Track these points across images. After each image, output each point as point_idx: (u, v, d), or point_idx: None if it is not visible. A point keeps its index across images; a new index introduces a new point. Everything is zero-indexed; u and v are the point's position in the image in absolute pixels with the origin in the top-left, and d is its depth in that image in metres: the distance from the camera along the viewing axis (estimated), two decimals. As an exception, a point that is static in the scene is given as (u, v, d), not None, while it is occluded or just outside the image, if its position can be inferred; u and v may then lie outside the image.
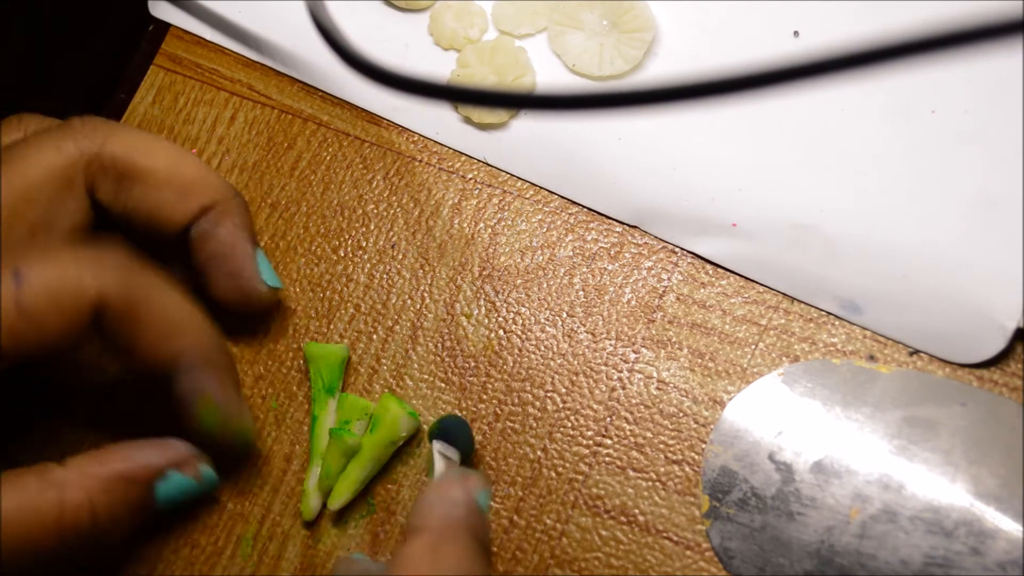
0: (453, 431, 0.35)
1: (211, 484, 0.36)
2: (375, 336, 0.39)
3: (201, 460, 0.36)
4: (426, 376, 0.38)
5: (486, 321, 0.39)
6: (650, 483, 0.36)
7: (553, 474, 0.37)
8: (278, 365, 0.39)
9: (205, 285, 0.38)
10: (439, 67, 0.41)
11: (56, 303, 0.32)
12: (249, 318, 0.39)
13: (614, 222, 0.39)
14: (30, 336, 0.32)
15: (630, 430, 0.37)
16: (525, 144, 0.40)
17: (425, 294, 0.39)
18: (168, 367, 0.34)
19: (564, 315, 0.38)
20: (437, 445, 0.35)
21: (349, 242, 0.40)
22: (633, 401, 0.37)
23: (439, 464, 0.34)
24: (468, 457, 0.36)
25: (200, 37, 0.43)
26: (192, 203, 0.36)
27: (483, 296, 0.39)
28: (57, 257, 0.32)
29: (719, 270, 0.38)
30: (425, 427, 0.37)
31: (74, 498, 0.32)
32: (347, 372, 0.39)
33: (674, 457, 0.36)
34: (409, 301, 0.39)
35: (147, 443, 0.35)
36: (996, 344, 0.35)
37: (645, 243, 0.38)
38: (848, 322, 0.36)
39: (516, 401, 0.38)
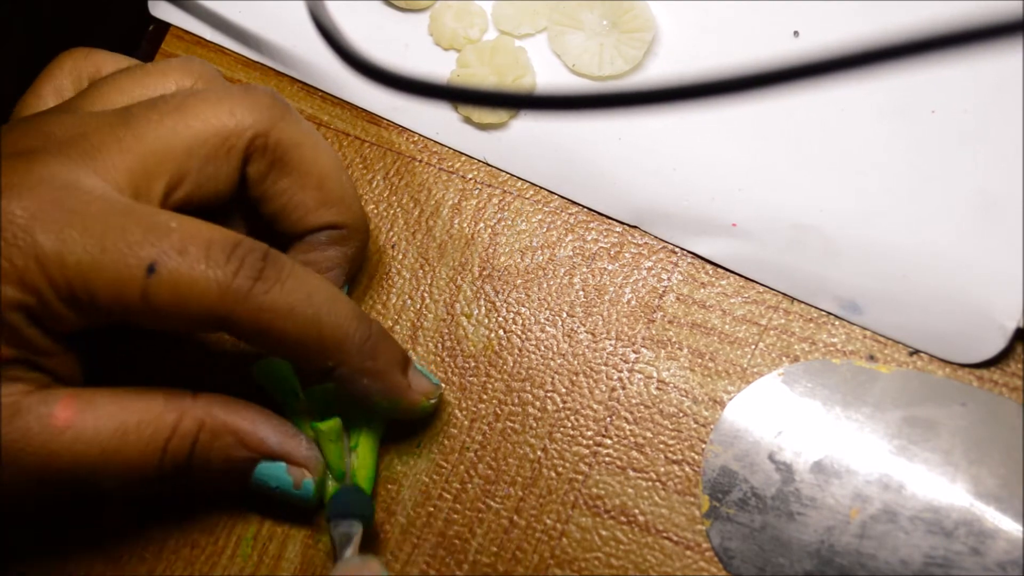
0: (348, 504, 0.34)
1: (305, 497, 0.35)
2: (375, 336, 0.39)
3: (312, 473, 0.35)
4: (426, 376, 0.38)
5: (486, 321, 0.39)
6: (650, 483, 0.36)
7: (553, 474, 0.37)
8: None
9: None
10: (439, 67, 0.41)
11: (181, 303, 0.31)
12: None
13: (614, 222, 0.39)
14: (151, 319, 0.32)
15: (630, 430, 0.37)
16: (525, 144, 0.40)
17: (425, 294, 0.39)
18: (323, 373, 0.34)
19: (564, 315, 0.38)
20: (338, 527, 0.34)
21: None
22: (633, 401, 0.37)
23: (343, 550, 0.34)
24: (370, 520, 0.35)
25: (200, 37, 0.44)
26: (325, 216, 0.36)
27: (483, 296, 0.39)
28: (193, 259, 0.32)
29: (719, 270, 0.38)
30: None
31: (187, 427, 0.33)
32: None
33: (674, 457, 0.36)
34: (409, 301, 0.39)
35: (280, 425, 0.35)
36: (996, 344, 0.35)
37: (645, 243, 0.38)
38: (848, 322, 0.36)
39: (516, 401, 0.38)
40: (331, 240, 0.37)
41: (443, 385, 0.37)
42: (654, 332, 0.38)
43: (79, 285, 0.31)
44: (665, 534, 0.35)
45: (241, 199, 0.36)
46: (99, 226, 0.31)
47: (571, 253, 0.39)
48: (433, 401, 0.36)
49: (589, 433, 0.37)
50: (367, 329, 0.34)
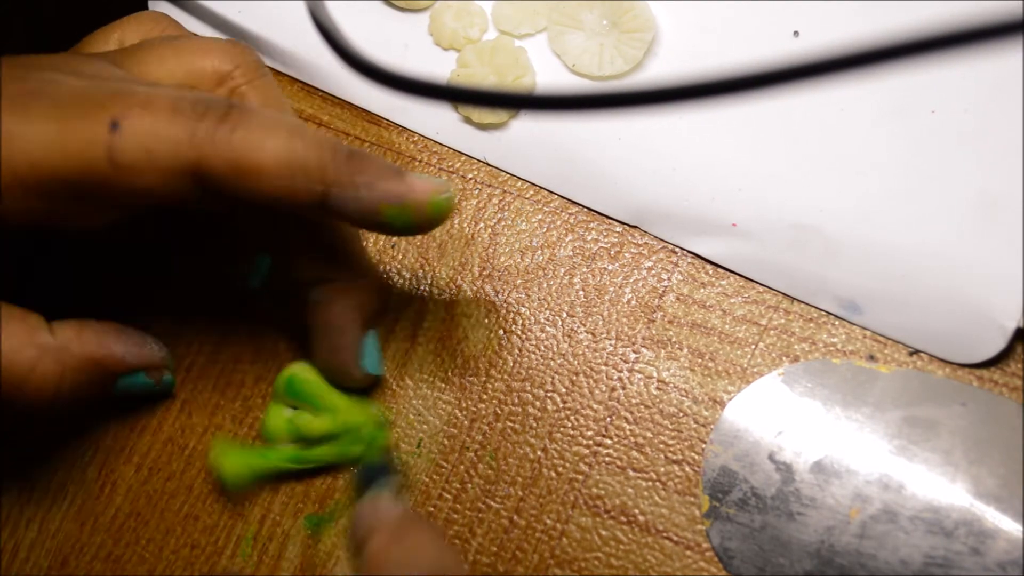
0: (372, 478, 0.35)
1: (168, 388, 0.38)
2: (375, 336, 0.39)
3: (167, 369, 0.38)
4: (426, 376, 0.38)
5: (486, 321, 0.39)
6: (650, 483, 0.36)
7: (553, 474, 0.37)
8: (280, 366, 0.39)
9: (310, 338, 0.37)
10: (439, 67, 0.41)
11: (150, 155, 0.31)
12: (249, 317, 0.39)
13: (614, 222, 0.39)
14: (125, 187, 0.31)
15: (630, 430, 0.37)
16: (525, 144, 0.40)
17: (425, 294, 0.39)
18: (316, 206, 0.33)
19: (564, 315, 0.38)
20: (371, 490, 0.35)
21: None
22: (633, 401, 0.37)
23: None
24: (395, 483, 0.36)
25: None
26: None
27: (483, 296, 0.39)
28: (158, 111, 0.31)
29: (719, 270, 0.38)
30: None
31: (48, 369, 0.34)
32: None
33: (674, 457, 0.36)
34: (409, 301, 0.39)
35: (127, 335, 0.36)
36: (996, 344, 0.35)
37: (645, 243, 0.38)
38: (848, 322, 0.36)
39: (516, 401, 0.37)
40: (333, 295, 0.36)
41: (450, 184, 0.36)
42: (654, 332, 0.38)
43: (45, 168, 0.31)
44: (665, 534, 0.35)
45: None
46: (66, 98, 0.31)
47: (571, 253, 0.39)
48: (446, 195, 0.33)
49: (589, 433, 0.37)
50: (345, 147, 0.33)
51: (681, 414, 0.36)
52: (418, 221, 0.33)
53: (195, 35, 0.37)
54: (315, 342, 0.37)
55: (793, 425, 0.35)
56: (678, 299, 0.38)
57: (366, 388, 0.38)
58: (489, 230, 0.40)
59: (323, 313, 0.36)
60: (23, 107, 0.31)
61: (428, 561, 0.30)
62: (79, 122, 0.31)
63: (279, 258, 0.38)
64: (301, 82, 0.42)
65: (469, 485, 0.37)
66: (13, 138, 0.31)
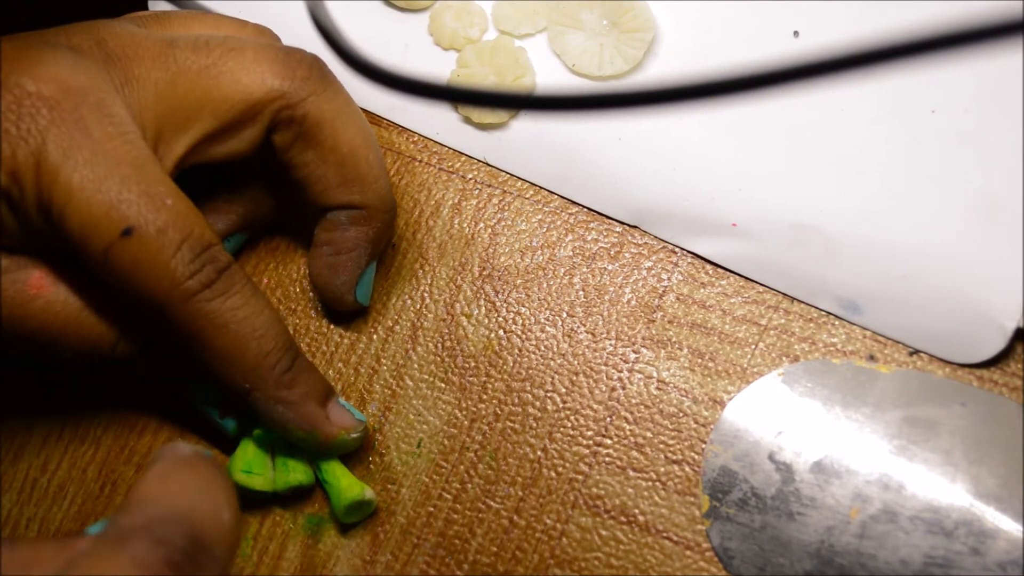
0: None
1: (226, 429, 0.37)
2: (375, 336, 0.39)
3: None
4: (426, 376, 0.38)
5: (486, 321, 0.39)
6: (650, 483, 0.36)
7: (553, 474, 0.37)
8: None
9: (311, 252, 0.38)
10: (439, 67, 0.41)
11: (134, 276, 0.32)
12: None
13: (614, 222, 0.39)
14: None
15: (630, 430, 0.37)
16: (525, 144, 0.40)
17: (425, 294, 0.39)
18: (239, 394, 0.35)
19: (564, 315, 0.38)
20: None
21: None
22: (633, 401, 0.37)
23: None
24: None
25: (200, 37, 0.43)
26: (345, 195, 0.36)
27: (483, 296, 0.39)
28: (168, 233, 0.32)
29: (719, 270, 0.38)
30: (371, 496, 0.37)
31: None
32: (341, 371, 0.39)
33: (674, 457, 0.36)
34: (409, 301, 0.39)
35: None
36: (996, 344, 0.35)
37: (645, 243, 0.38)
38: (848, 322, 0.36)
39: (516, 401, 0.37)
40: (352, 220, 0.37)
41: (367, 421, 0.37)
42: (654, 332, 0.38)
43: (58, 205, 0.32)
44: (665, 534, 0.35)
45: (270, 162, 0.37)
46: (106, 165, 0.32)
47: (571, 253, 0.39)
48: (355, 435, 0.36)
49: (589, 433, 0.37)
50: (289, 361, 0.35)
51: (681, 414, 0.36)
52: (322, 449, 0.36)
53: (242, 37, 0.37)
54: (317, 259, 0.37)
55: (793, 425, 0.35)
56: (678, 299, 0.38)
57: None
58: (489, 230, 0.40)
59: (339, 233, 0.37)
60: (68, 144, 0.32)
61: (180, 505, 0.26)
62: (103, 205, 0.32)
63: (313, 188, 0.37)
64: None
65: (469, 485, 0.37)
66: (47, 167, 0.32)
